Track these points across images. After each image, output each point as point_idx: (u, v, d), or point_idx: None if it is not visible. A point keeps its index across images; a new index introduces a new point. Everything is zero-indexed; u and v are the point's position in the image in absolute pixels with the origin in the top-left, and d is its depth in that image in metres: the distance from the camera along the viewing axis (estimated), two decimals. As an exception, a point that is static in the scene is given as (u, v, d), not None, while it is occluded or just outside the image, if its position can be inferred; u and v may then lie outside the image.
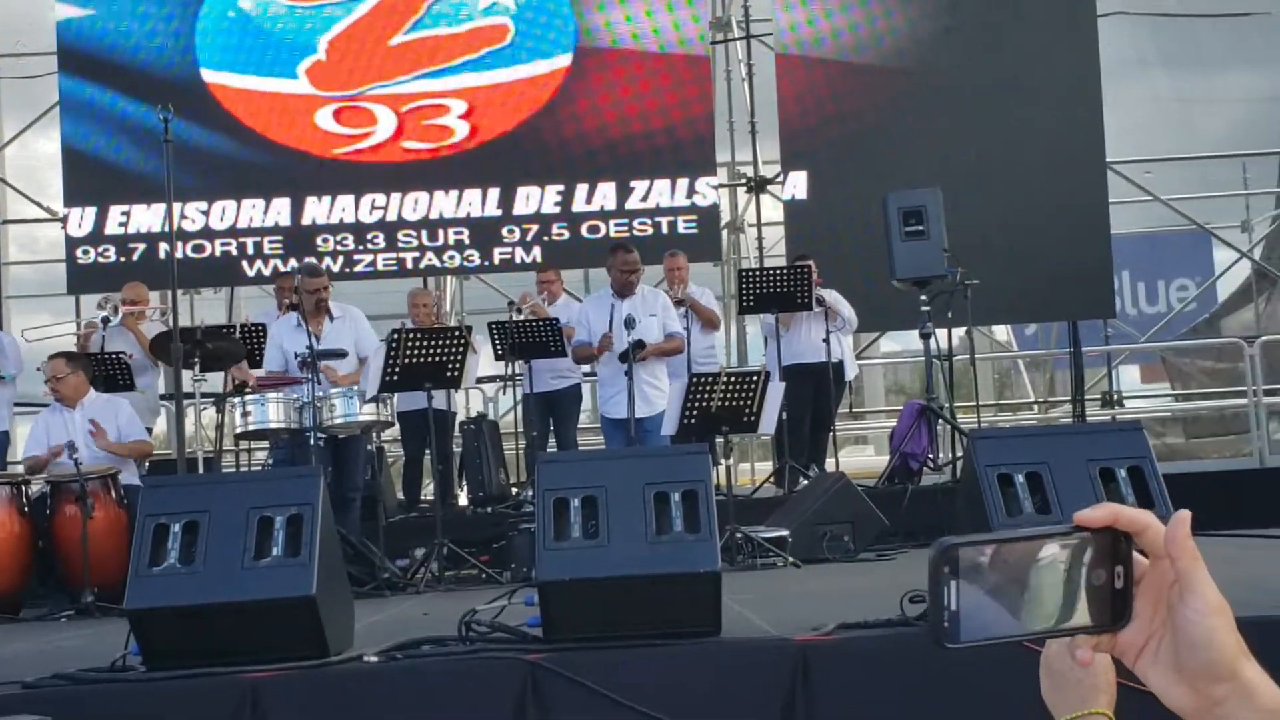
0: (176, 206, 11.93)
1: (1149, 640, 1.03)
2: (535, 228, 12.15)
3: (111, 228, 12.20)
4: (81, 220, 12.23)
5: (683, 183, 12.14)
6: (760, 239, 13.59)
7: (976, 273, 9.78)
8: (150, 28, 12.47)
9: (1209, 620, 1.00)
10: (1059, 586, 1.00)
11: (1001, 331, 16.48)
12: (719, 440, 7.82)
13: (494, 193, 12.20)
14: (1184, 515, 1.02)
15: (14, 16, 13.54)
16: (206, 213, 12.22)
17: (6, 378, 9.33)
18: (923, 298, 9.29)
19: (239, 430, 8.00)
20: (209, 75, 12.44)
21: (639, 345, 8.20)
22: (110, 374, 9.07)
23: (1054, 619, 1.00)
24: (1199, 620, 1.00)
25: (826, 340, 9.66)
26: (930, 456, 9.62)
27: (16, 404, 9.92)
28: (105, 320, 9.52)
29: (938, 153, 11.67)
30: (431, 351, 7.63)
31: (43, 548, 7.59)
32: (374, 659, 4.13)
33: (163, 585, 4.11)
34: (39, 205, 13.64)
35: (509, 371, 9.75)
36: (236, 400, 8.03)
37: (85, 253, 12.19)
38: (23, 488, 7.69)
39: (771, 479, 10.27)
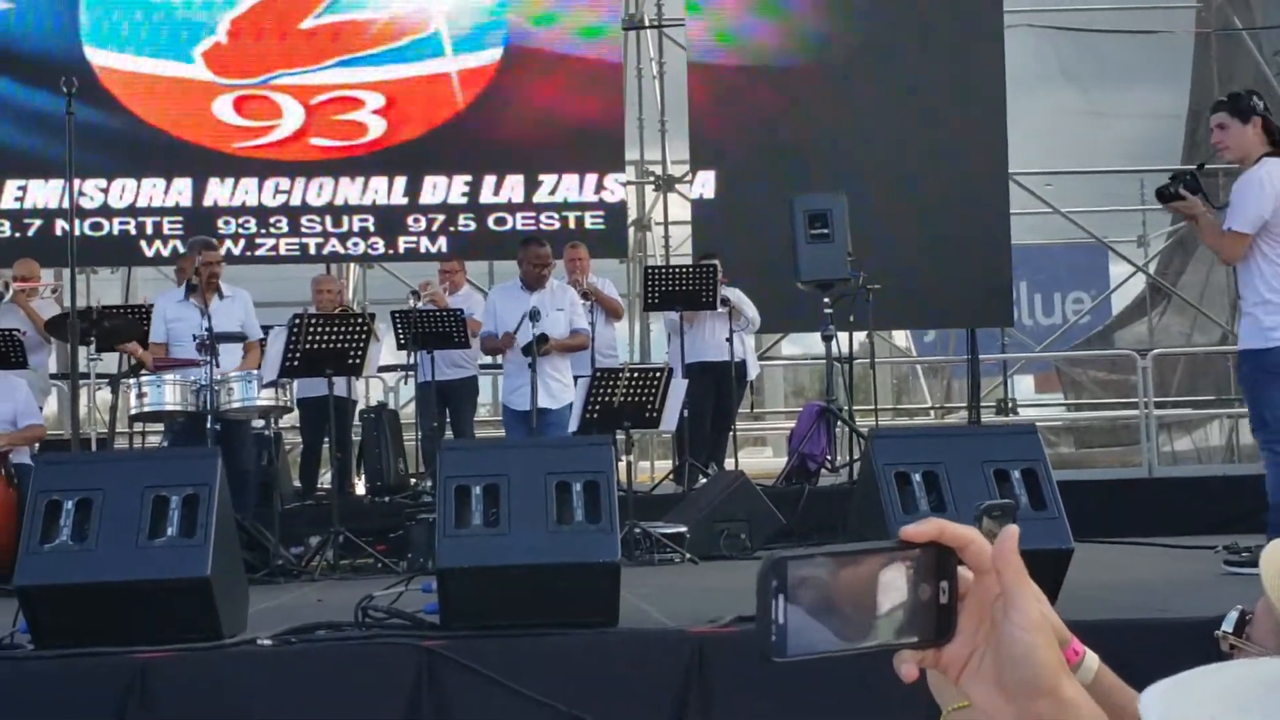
0: (75, 183, 11.71)
1: (972, 655, 1.04)
2: (441, 218, 12.07)
3: (7, 202, 11.94)
4: (-25, 193, 11.94)
5: (591, 178, 12.15)
6: (667, 237, 13.64)
7: (879, 278, 9.92)
8: (34, 2, 12.05)
9: (1030, 636, 1.01)
10: (885, 602, 1.00)
11: (901, 337, 16.70)
12: (620, 436, 7.84)
13: (400, 181, 12.10)
14: (1013, 530, 1.04)
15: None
16: (105, 190, 11.98)
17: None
18: (825, 300, 9.38)
19: (134, 411, 7.87)
20: (93, 54, 12.02)
21: (543, 339, 8.19)
22: (2, 351, 8.87)
23: (880, 634, 1.01)
24: (1021, 636, 1.01)
25: (730, 339, 9.73)
26: (828, 458, 9.72)
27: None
28: (-1, 296, 9.32)
29: (845, 158, 11.78)
30: (333, 338, 7.57)
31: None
32: (268, 642, 4.09)
33: (54, 562, 4.04)
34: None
35: (410, 361, 9.70)
36: (132, 381, 7.90)
37: (-23, 228, 11.91)
38: (-93, 464, 7.52)
39: (671, 476, 10.32)
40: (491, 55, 12.28)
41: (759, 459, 15.66)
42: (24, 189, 11.93)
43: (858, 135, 11.97)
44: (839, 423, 9.83)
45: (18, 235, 11.80)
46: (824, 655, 0.99)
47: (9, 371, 8.46)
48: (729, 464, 10.03)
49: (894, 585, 1.01)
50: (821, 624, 0.99)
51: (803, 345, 16.41)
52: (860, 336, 11.46)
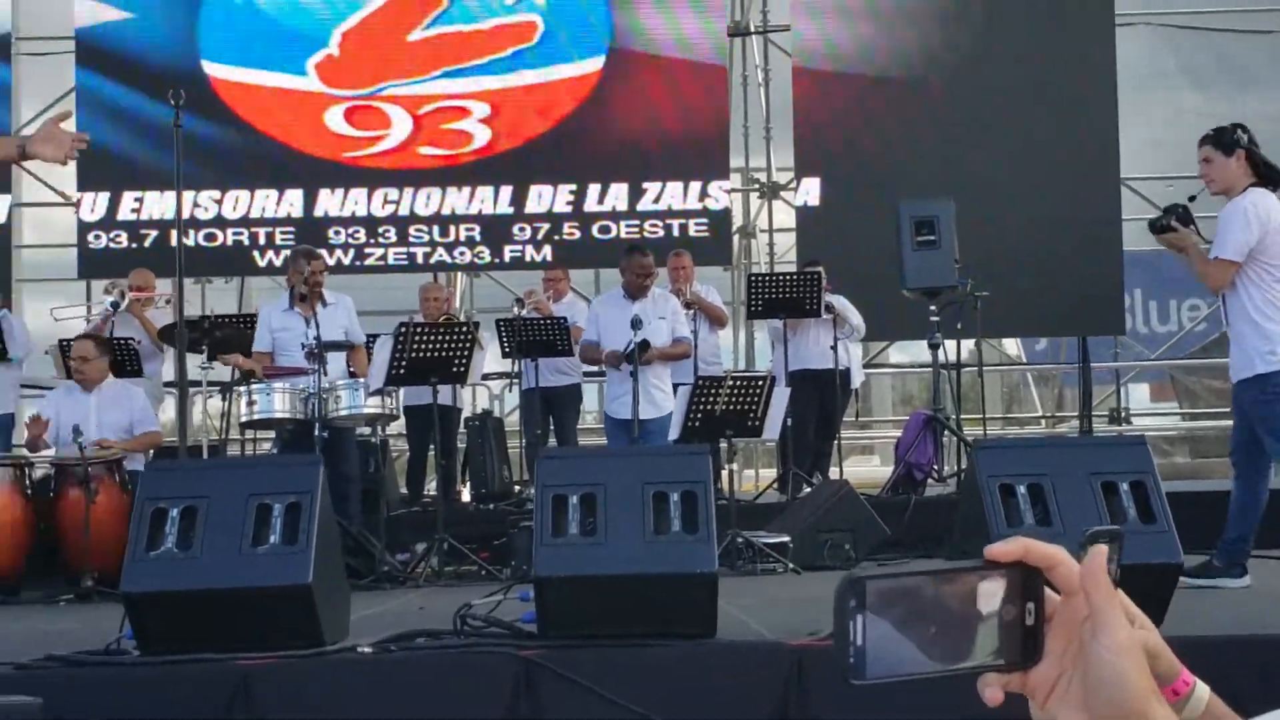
0: (189, 195, 11.97)
1: (1060, 678, 1.01)
2: (546, 226, 12.14)
3: (124, 213, 12.22)
4: (94, 205, 12.25)
5: (695, 186, 12.14)
6: (771, 244, 13.57)
7: (987, 284, 9.77)
8: (153, 17, 12.35)
9: (1119, 659, 0.98)
10: (969, 623, 0.98)
11: (1011, 345, 16.43)
12: (723, 444, 7.81)
13: (506, 191, 12.19)
14: (1101, 550, 1.01)
15: (35, 5, 13.57)
16: (219, 201, 12.23)
17: (14, 360, 9.35)
18: (932, 308, 9.28)
19: (244, 419, 7.99)
20: (211, 68, 12.31)
21: (644, 346, 8.18)
22: (119, 359, 9.08)
23: (963, 656, 0.98)
24: (1109, 659, 0.98)
25: (834, 347, 9.65)
26: (935, 467, 9.60)
27: (22, 386, 9.94)
28: (115, 305, 9.53)
29: (952, 163, 11.65)
30: (438, 346, 7.62)
31: (45, 530, 7.59)
32: (368, 650, 4.13)
33: (159, 569, 4.11)
34: (52, 189, 13.61)
35: (514, 369, 9.75)
36: (243, 389, 8.03)
37: (97, 238, 12.22)
38: (26, 470, 7.70)
39: (775, 485, 10.25)
40: (595, 63, 12.34)
41: (866, 468, 15.52)
42: (140, 200, 12.21)
43: (965, 140, 11.83)
44: (946, 432, 9.70)
45: (134, 246, 12.08)
46: (905, 678, 0.97)
47: (126, 380, 8.65)
48: (834, 473, 9.95)
49: (978, 606, 0.99)
50: (902, 646, 0.97)
51: (911, 353, 16.23)
52: (968, 344, 11.30)
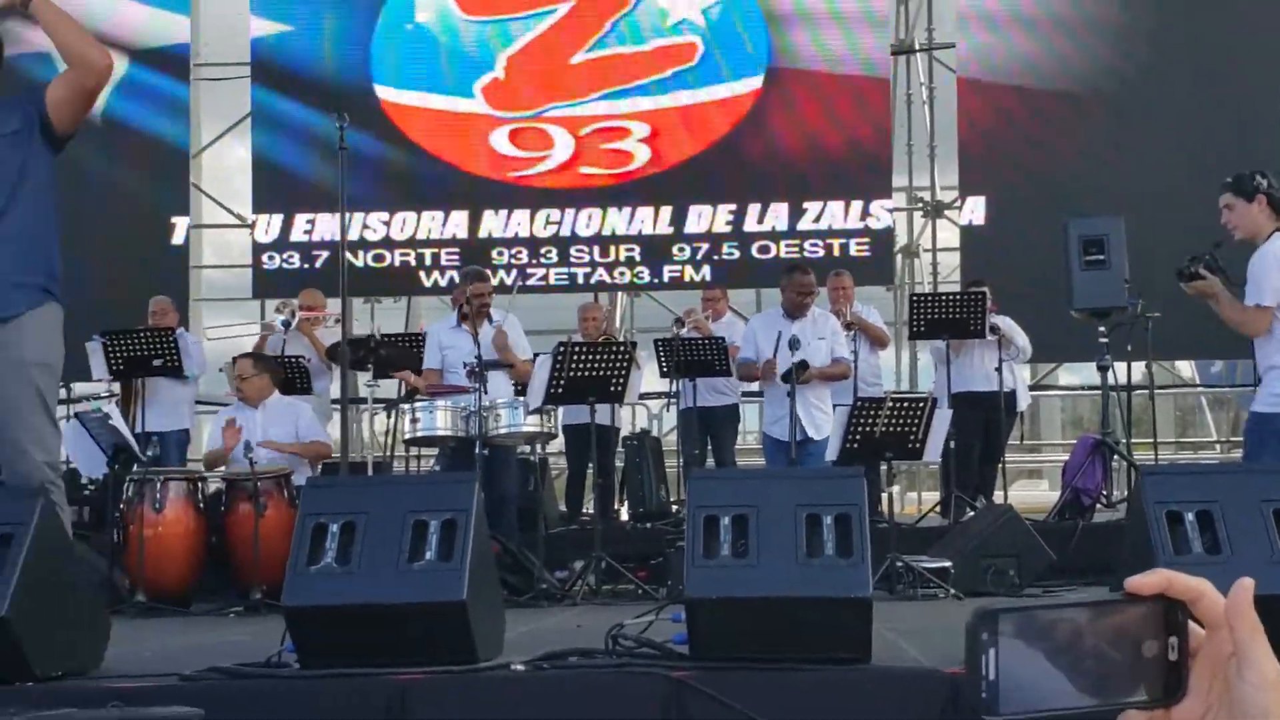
0: (359, 216, 12.27)
1: (1205, 716, 0.96)
2: (706, 246, 12.17)
3: (297, 235, 12.57)
4: (268, 227, 12.62)
5: (857, 205, 12.05)
6: (935, 264, 13.39)
7: (1159, 305, 9.49)
8: (332, 42, 12.73)
9: (1266, 696, 0.93)
10: (1108, 658, 0.94)
11: (1185, 367, 15.95)
12: (884, 467, 7.71)
13: (666, 211, 12.26)
14: (1247, 583, 0.96)
15: (214, 28, 14.04)
16: (388, 223, 12.52)
17: (190, 377, 9.65)
18: (1101, 329, 9.05)
19: (407, 436, 8.13)
20: (382, 91, 12.63)
21: (802, 366, 8.12)
22: (289, 377, 9.32)
23: (1103, 692, 0.94)
24: (1256, 696, 0.94)
25: (999, 369, 9.47)
26: (1104, 492, 9.34)
27: (198, 403, 10.26)
28: (285, 324, 9.79)
29: (1123, 181, 11.37)
30: (596, 366, 7.67)
31: (216, 544, 7.80)
32: (521, 667, 4.14)
33: (319, 584, 4.18)
34: (229, 211, 14.10)
35: (673, 388, 9.76)
36: (407, 407, 8.17)
37: (271, 258, 12.58)
38: (199, 485, 7.94)
39: (937, 509, 10.09)
40: (754, 83, 12.35)
41: (1034, 492, 15.20)
42: (312, 222, 12.55)
43: (1135, 158, 11.55)
44: (1115, 456, 9.44)
45: (306, 266, 12.41)
46: (1040, 714, 0.93)
47: (293, 397, 8.87)
48: (998, 497, 9.75)
49: (1118, 640, 0.95)
50: (1037, 680, 0.93)
51: (1081, 375, 15.87)
52: (1140, 366, 11.00)
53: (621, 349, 7.88)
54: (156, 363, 9.00)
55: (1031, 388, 12.32)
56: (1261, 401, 6.12)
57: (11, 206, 4.42)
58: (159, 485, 7.64)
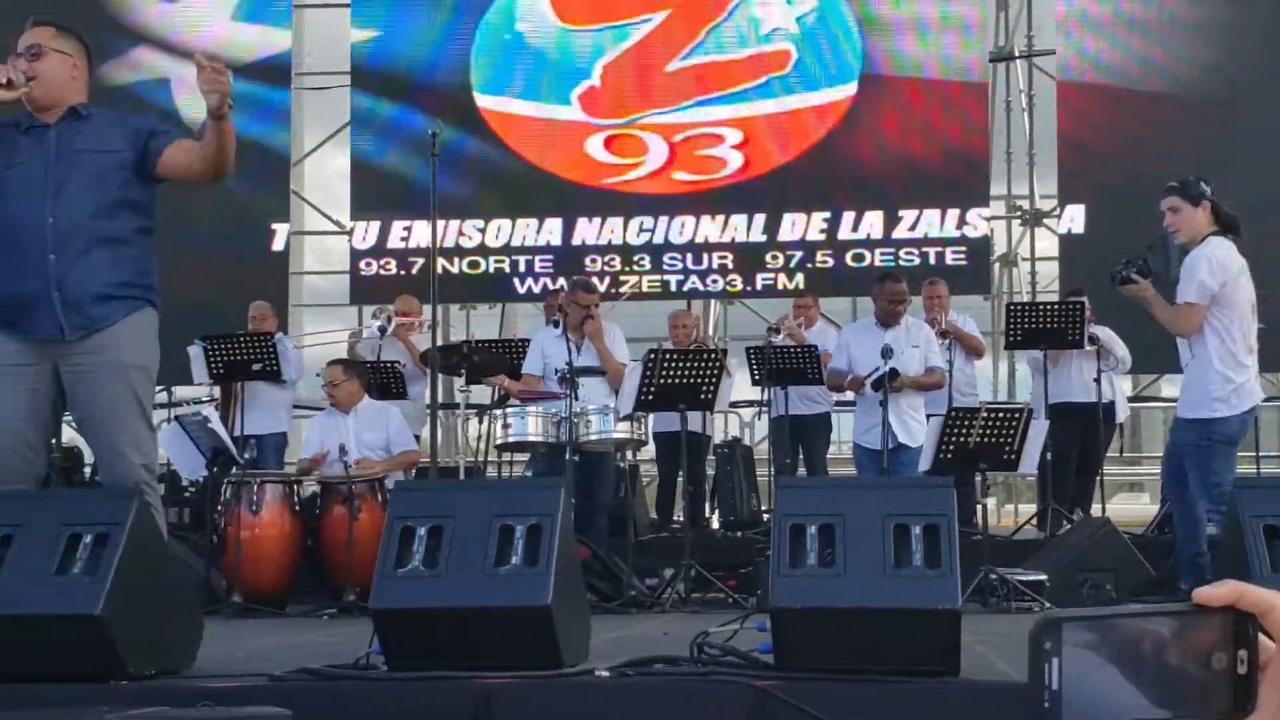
0: (455, 223, 12.38)
1: None
2: (799, 254, 12.11)
3: (394, 241, 12.71)
4: (366, 233, 12.77)
5: (953, 213, 11.93)
6: (1033, 273, 13.22)
7: (1269, 315, 9.27)
8: (431, 49, 12.88)
9: None
10: (1175, 669, 0.92)
11: (1290, 378, 15.58)
12: (979, 479, 7.63)
13: (760, 219, 12.22)
14: None
15: (315, 37, 14.26)
16: (483, 230, 12.61)
17: (288, 382, 9.78)
18: (1204, 340, 8.86)
19: (499, 441, 8.18)
20: (481, 99, 12.77)
21: (893, 374, 8.05)
22: (384, 382, 9.42)
23: (1169, 704, 0.92)
24: None
25: (1097, 380, 9.32)
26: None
27: (295, 407, 10.41)
28: (381, 330, 9.89)
29: (1229, 186, 11.09)
30: (686, 373, 7.66)
31: (311, 546, 7.90)
32: (605, 673, 4.14)
33: (407, 587, 4.21)
34: (328, 217, 14.29)
35: (764, 397, 9.72)
36: (498, 412, 8.22)
37: (368, 265, 12.73)
38: (295, 487, 8.04)
39: (1033, 521, 9.96)
40: (848, 89, 12.29)
41: (1134, 505, 14.93)
42: (409, 229, 12.68)
43: (1243, 163, 11.28)
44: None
45: (402, 273, 12.54)
46: None
47: (385, 402, 8.96)
48: (1096, 510, 9.60)
49: (1186, 652, 0.93)
50: (1102, 692, 0.91)
51: (1184, 386, 15.56)
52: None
53: (712, 356, 7.87)
54: (256, 367, 9.12)
55: (1132, 400, 12.10)
56: (1196, 407, 6.38)
57: (109, 220, 4.58)
58: (256, 487, 7.74)
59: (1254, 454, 10.21)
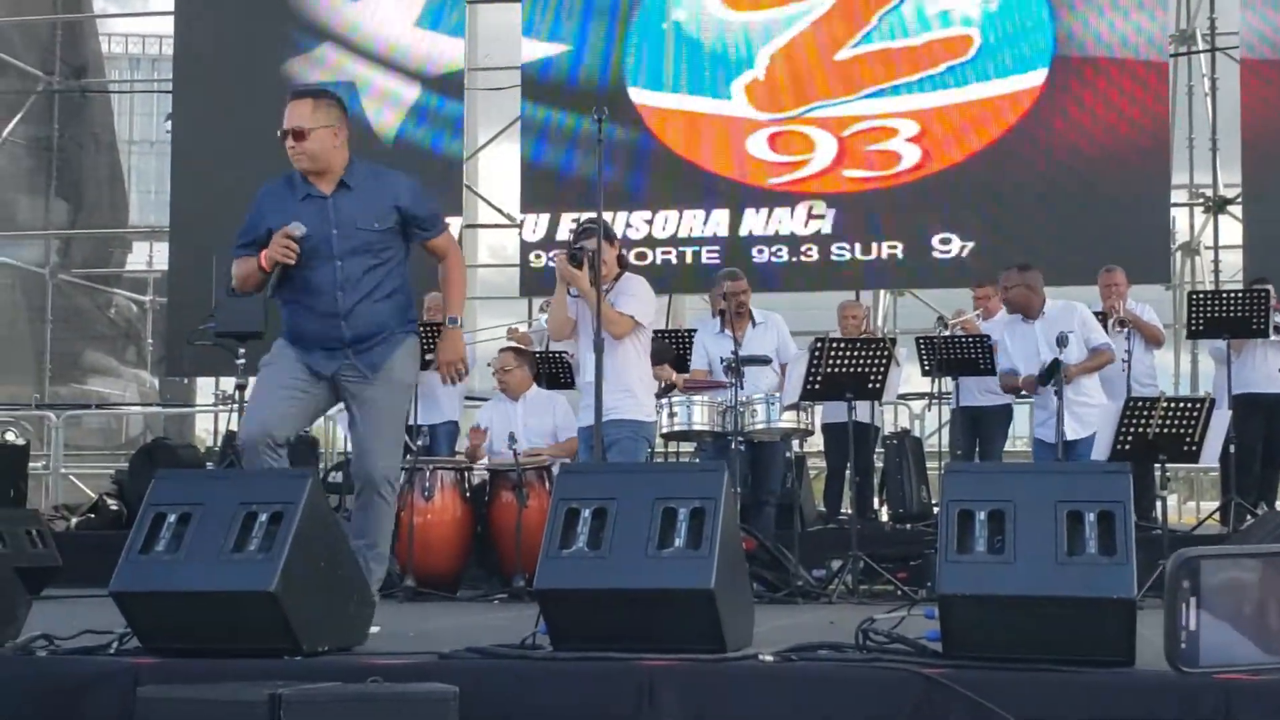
0: (622, 215, 12.42)
1: None
2: (973, 244, 11.86)
3: (563, 234, 12.79)
4: (535, 226, 12.90)
5: (1132, 200, 11.57)
6: (1216, 262, 12.81)
7: None
8: (587, 47, 12.83)
9: None
10: None
11: None
12: (1159, 471, 7.42)
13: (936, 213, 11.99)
14: None
15: (489, 36, 14.48)
16: (650, 221, 12.62)
17: (459, 372, 9.90)
18: (1402, 328, 8.51)
19: (665, 430, 8.20)
20: (636, 94, 12.62)
21: (1054, 365, 7.81)
22: (553, 372, 9.51)
23: None
24: None
25: (1284, 370, 9.00)
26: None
27: (466, 397, 10.57)
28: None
29: None
30: (854, 362, 7.58)
31: (481, 532, 8.03)
32: (769, 658, 4.12)
33: (571, 568, 4.24)
34: (499, 211, 14.49)
35: (935, 388, 9.57)
36: (664, 401, 8.24)
37: (537, 257, 12.85)
38: (465, 474, 8.17)
39: (1215, 516, 9.65)
40: (1038, 75, 11.86)
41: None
42: (577, 220, 12.73)
43: None
44: None
45: (570, 265, 12.60)
46: (1243, 668, 0.86)
47: (553, 391, 9.05)
48: (1281, 505, 9.27)
49: None
50: (1242, 633, 0.87)
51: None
52: None
53: (880, 345, 7.77)
54: (428, 357, 9.25)
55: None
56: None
57: (390, 276, 5.46)
58: (428, 474, 7.90)
59: None
